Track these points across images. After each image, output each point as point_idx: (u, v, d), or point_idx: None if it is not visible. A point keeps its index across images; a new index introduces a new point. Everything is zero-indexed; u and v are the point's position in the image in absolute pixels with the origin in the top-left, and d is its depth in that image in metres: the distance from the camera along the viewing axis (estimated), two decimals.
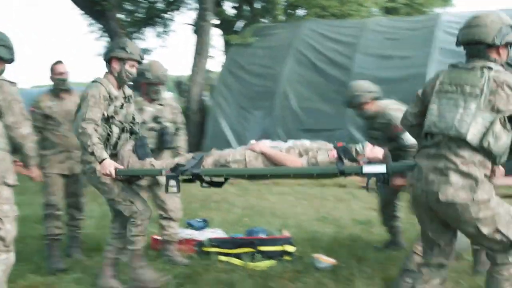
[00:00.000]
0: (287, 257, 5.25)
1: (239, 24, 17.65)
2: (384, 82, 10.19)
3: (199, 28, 14.12)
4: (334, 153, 4.17)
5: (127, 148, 4.49)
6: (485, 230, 3.12)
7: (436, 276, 3.35)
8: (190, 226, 6.11)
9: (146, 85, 5.30)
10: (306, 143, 4.40)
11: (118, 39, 4.99)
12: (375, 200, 7.83)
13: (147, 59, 5.50)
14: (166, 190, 4.15)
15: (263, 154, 4.26)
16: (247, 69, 12.67)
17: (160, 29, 18.36)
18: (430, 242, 3.36)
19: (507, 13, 3.45)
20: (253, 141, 4.48)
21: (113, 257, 4.49)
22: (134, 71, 4.49)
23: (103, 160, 4.15)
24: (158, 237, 5.56)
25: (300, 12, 18.22)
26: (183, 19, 49.09)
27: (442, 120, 3.17)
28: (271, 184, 9.59)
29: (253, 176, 4.81)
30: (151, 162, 4.41)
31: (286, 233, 5.81)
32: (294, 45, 12.25)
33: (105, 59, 4.50)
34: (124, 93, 4.51)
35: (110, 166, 4.15)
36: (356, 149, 4.23)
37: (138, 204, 4.38)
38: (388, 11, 20.16)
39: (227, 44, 16.10)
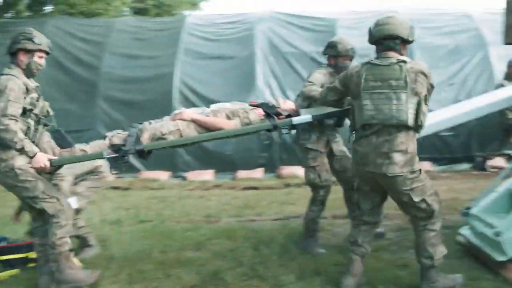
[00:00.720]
0: (31, 264, 4.99)
1: None
2: (133, 82, 10.29)
3: None
4: (261, 111, 4.67)
5: (45, 140, 4.37)
6: (416, 198, 3.92)
7: (373, 229, 4.27)
8: None
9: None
10: (227, 105, 4.81)
11: (23, 30, 4.36)
12: (125, 200, 7.91)
13: None
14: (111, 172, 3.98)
15: (194, 121, 4.50)
16: None
17: None
18: (368, 205, 4.19)
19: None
20: (177, 111, 4.68)
21: (64, 250, 4.26)
22: (43, 62, 4.34)
23: (35, 154, 4.08)
24: None
25: (47, 9, 17.40)
26: None
27: (380, 112, 3.80)
28: None
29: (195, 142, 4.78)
30: (81, 149, 4.37)
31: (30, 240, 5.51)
32: None
33: (10, 52, 4.28)
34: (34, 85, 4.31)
35: (43, 159, 4.10)
36: (273, 104, 4.71)
37: (62, 201, 4.28)
38: (138, 11, 20.30)
39: None
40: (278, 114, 4.65)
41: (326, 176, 5.17)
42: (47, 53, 4.36)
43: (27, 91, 4.19)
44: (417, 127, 3.86)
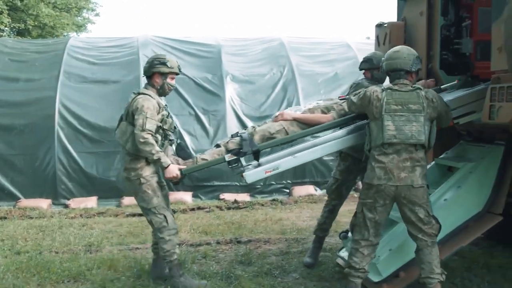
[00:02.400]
0: None
1: None
2: (11, 106, 9.80)
3: None
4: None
5: (170, 153, 4.86)
6: (429, 211, 4.34)
7: (374, 251, 4.51)
8: None
9: None
10: (320, 102, 5.30)
11: (157, 54, 5.10)
12: (1, 230, 7.46)
13: None
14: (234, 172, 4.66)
15: (295, 119, 4.93)
16: None
17: None
18: (375, 227, 4.42)
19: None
20: (277, 113, 5.11)
21: (173, 259, 4.89)
22: (174, 82, 4.96)
23: (168, 165, 4.60)
24: None
25: None
26: None
27: (401, 133, 4.25)
28: None
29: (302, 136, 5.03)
30: (202, 158, 4.76)
31: None
32: None
33: (147, 75, 4.90)
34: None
35: (175, 169, 4.61)
36: None
37: (169, 218, 4.83)
38: (19, 32, 19.50)
39: None
40: None
41: None
42: (177, 74, 4.94)
43: (159, 109, 4.76)
44: (429, 147, 4.38)
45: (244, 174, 4.51)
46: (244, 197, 9.65)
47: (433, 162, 5.73)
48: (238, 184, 9.75)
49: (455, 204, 4.87)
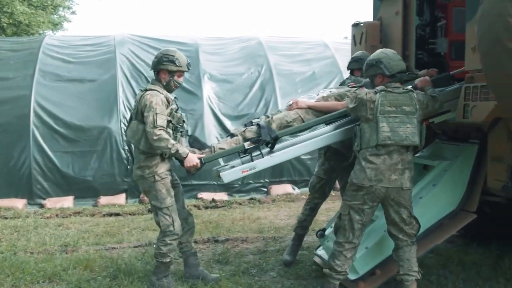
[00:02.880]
0: None
1: None
2: None
3: None
4: (363, 88, 4.98)
5: (183, 145, 4.84)
6: (412, 212, 4.42)
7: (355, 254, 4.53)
8: None
9: None
10: (334, 90, 5.45)
11: (167, 50, 4.90)
12: None
13: None
14: (252, 160, 4.53)
15: (310, 107, 5.01)
16: None
17: None
18: (360, 229, 4.44)
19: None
20: (291, 101, 5.14)
21: (166, 261, 4.85)
22: (181, 80, 4.91)
23: (187, 155, 4.59)
24: None
25: None
26: None
27: (395, 134, 4.30)
28: None
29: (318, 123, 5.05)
30: (219, 147, 4.74)
31: None
32: None
33: (154, 70, 4.83)
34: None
35: (194, 158, 4.60)
36: None
37: (176, 223, 4.77)
38: None
39: None
40: None
41: None
42: (186, 71, 4.90)
43: (168, 103, 4.73)
44: (420, 148, 4.52)
45: (220, 174, 4.51)
46: (222, 196, 9.65)
47: None
48: (216, 183, 9.74)
49: (430, 202, 4.92)
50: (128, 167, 9.54)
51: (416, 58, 5.75)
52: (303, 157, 9.87)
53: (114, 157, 9.56)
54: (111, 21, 50.93)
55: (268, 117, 5.04)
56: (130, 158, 9.57)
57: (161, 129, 4.56)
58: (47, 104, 9.73)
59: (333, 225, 5.39)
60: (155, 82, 4.84)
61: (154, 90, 4.73)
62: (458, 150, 5.20)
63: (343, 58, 11.19)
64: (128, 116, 9.76)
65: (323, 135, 4.81)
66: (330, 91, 5.39)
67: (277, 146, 4.73)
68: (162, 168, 4.74)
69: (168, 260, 4.80)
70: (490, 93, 4.36)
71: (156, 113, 4.56)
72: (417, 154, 5.75)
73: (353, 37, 6.43)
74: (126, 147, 9.59)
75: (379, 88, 4.51)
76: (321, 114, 5.02)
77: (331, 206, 8.84)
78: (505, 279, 5.16)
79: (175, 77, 4.82)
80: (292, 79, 11.02)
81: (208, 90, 10.41)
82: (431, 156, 5.52)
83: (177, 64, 4.78)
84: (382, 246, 4.79)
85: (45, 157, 9.41)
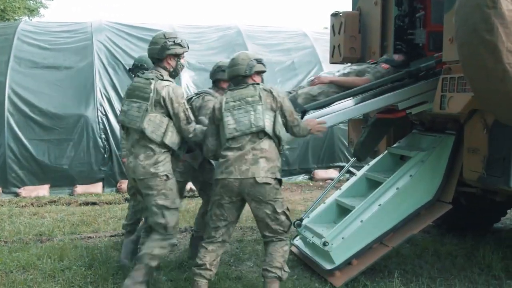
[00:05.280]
0: None
1: None
2: None
3: None
4: (384, 65, 5.34)
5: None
6: (278, 209, 4.21)
7: (221, 249, 4.36)
8: None
9: None
10: (354, 67, 5.52)
11: (166, 33, 4.43)
12: None
13: None
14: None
15: (332, 82, 5.13)
16: None
17: None
18: (220, 222, 4.29)
19: None
20: (313, 77, 5.28)
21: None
22: (184, 61, 4.55)
23: None
24: None
25: None
26: None
27: (240, 124, 4.18)
28: None
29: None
30: None
31: None
32: None
33: (160, 57, 4.40)
34: None
35: None
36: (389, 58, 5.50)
37: (176, 227, 4.40)
38: None
39: None
40: (399, 65, 5.39)
41: None
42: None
43: None
44: (276, 136, 4.28)
45: None
46: None
47: (386, 151, 5.81)
48: None
49: (407, 193, 4.95)
50: (105, 155, 9.45)
51: (395, 48, 5.76)
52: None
53: (91, 146, 9.45)
54: (88, 7, 50.29)
55: (291, 93, 5.14)
56: (107, 146, 9.48)
57: (193, 122, 4.40)
58: (22, 91, 9.55)
59: (310, 215, 5.43)
60: (159, 69, 4.43)
61: (168, 80, 4.38)
62: (435, 141, 5.23)
63: (323, 48, 11.21)
64: (105, 104, 9.68)
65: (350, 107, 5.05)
66: (351, 68, 5.49)
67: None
68: (171, 166, 4.43)
69: (154, 264, 4.34)
70: (467, 85, 4.39)
71: (186, 108, 4.35)
72: (394, 145, 5.79)
73: (332, 27, 6.42)
74: (103, 136, 9.50)
75: None
76: (344, 90, 5.12)
77: (308, 196, 8.89)
78: (479, 269, 5.23)
79: (181, 60, 4.52)
80: (271, 68, 10.97)
81: (187, 79, 10.33)
82: (409, 147, 5.55)
83: (183, 45, 4.46)
84: (358, 236, 4.81)
85: (20, 145, 9.25)
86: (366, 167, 5.69)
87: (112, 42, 10.63)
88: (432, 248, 5.82)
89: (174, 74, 4.49)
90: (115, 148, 9.48)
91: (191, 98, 5.23)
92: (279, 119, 4.27)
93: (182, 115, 4.30)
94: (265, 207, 4.18)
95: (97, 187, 9.37)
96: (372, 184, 5.43)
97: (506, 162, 4.38)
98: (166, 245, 4.34)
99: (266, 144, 4.20)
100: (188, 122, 4.33)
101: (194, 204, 8.24)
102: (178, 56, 4.45)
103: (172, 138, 4.32)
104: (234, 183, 4.15)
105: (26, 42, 10.36)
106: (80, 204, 8.39)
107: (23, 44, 10.32)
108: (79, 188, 9.22)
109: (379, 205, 4.90)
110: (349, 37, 6.09)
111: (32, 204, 8.39)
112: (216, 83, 5.33)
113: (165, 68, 4.42)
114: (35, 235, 6.44)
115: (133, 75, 6.11)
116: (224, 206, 4.26)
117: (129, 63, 9.88)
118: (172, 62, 4.44)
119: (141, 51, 10.01)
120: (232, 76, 4.47)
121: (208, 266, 4.26)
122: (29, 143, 9.30)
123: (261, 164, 4.14)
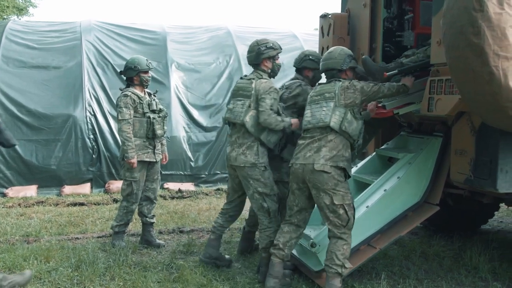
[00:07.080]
0: None
1: None
2: None
3: None
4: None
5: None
6: (337, 202, 4.35)
7: (295, 232, 4.64)
8: None
9: None
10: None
11: (260, 41, 5.08)
12: None
13: None
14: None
15: None
16: None
17: None
18: (293, 207, 4.62)
19: None
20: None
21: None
22: (279, 61, 5.13)
23: (290, 121, 4.96)
24: None
25: None
26: None
27: (314, 118, 4.53)
28: None
29: None
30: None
31: None
32: None
33: (256, 62, 5.03)
34: None
35: (296, 120, 5.03)
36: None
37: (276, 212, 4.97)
38: None
39: None
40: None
41: None
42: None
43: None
44: (342, 131, 4.49)
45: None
46: (188, 186, 9.59)
47: (374, 153, 5.82)
48: (182, 173, 9.69)
49: (395, 194, 4.96)
50: (94, 156, 9.39)
51: (383, 50, 5.78)
52: None
53: (79, 146, 9.39)
54: (78, 7, 50.09)
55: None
56: (95, 147, 9.42)
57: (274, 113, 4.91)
58: (10, 91, 9.48)
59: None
60: (260, 72, 5.01)
61: (266, 79, 4.98)
62: (423, 143, 5.24)
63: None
64: (93, 104, 9.63)
65: None
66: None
67: None
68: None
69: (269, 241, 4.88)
70: (454, 87, 4.40)
71: (275, 98, 4.88)
72: (382, 147, 5.81)
73: (321, 28, 6.42)
74: (92, 136, 9.44)
75: None
76: None
77: None
78: (466, 271, 5.25)
79: (276, 61, 5.07)
80: None
81: (176, 79, 10.30)
82: (396, 149, 5.57)
83: (275, 48, 5.03)
84: None
85: None
86: (354, 169, 5.69)
87: (101, 42, 10.58)
88: (420, 250, 5.84)
89: (272, 74, 5.09)
90: (104, 149, 9.44)
91: (288, 86, 5.44)
92: (348, 116, 4.48)
93: (270, 106, 4.80)
94: (324, 197, 4.40)
95: (85, 188, 9.31)
96: (360, 185, 5.44)
97: (493, 164, 4.40)
98: (276, 226, 4.87)
99: (333, 137, 4.46)
100: (272, 108, 4.81)
101: (182, 205, 8.22)
102: (272, 58, 5.02)
103: (268, 136, 4.88)
104: (298, 169, 4.49)
105: (14, 42, 10.28)
106: (68, 205, 8.33)
107: (11, 43, 10.25)
108: (67, 189, 9.16)
109: (366, 207, 4.91)
110: (337, 38, 6.10)
111: (19, 204, 8.32)
112: (302, 70, 5.47)
113: (263, 70, 5.02)
114: (21, 236, 6.39)
115: (125, 77, 6.10)
116: (294, 193, 4.62)
117: (118, 63, 9.89)
118: (268, 64, 5.03)
119: (130, 51, 10.02)
120: (327, 69, 4.77)
121: (281, 246, 4.59)
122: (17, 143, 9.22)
123: (323, 152, 4.42)
